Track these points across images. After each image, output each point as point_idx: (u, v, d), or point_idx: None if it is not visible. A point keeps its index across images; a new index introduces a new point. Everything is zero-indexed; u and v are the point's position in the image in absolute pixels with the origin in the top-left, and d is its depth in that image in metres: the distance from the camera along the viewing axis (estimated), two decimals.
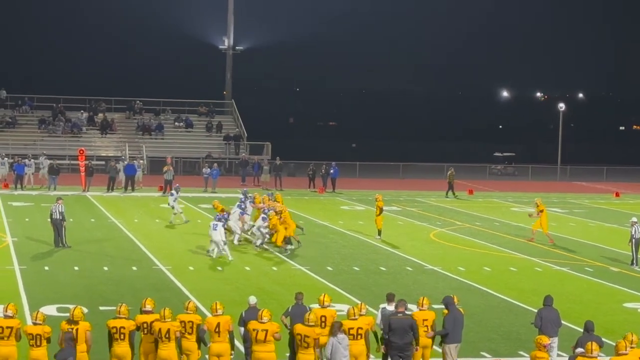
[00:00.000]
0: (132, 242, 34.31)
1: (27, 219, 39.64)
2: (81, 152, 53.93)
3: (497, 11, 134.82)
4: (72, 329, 16.71)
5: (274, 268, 30.30)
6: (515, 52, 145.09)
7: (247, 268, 30.10)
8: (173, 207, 39.99)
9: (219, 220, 31.42)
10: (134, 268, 29.41)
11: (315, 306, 18.76)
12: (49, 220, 33.15)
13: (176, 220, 39.78)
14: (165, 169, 52.48)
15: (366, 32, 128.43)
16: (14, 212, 41.59)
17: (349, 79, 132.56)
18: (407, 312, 18.20)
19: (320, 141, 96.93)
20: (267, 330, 17.20)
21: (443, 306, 18.76)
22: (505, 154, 79.88)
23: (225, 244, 31.19)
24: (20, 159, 53.44)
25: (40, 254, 31.22)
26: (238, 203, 35.43)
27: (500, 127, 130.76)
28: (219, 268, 30.00)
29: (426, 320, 18.29)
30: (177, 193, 40.79)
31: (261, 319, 17.33)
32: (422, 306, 18.52)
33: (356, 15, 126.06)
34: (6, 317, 16.89)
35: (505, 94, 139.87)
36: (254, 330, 17.26)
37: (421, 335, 18.10)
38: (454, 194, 54.73)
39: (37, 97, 70.72)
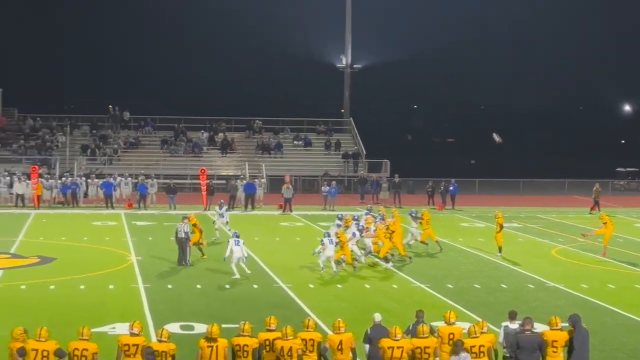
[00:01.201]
0: (253, 260, 34.63)
1: (150, 238, 40.42)
2: (202, 171, 54.88)
3: (621, 24, 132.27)
4: (212, 346, 16.95)
5: (394, 286, 30.23)
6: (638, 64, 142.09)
7: (367, 285, 30.11)
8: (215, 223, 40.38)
9: (237, 236, 31.46)
10: (255, 286, 29.69)
11: (440, 324, 18.65)
12: (174, 238, 33.76)
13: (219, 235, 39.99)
14: (284, 187, 52.98)
15: (483, 49, 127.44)
16: (138, 232, 42.46)
17: (466, 95, 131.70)
18: (534, 330, 17.93)
19: (439, 158, 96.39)
20: (402, 348, 17.10)
21: (568, 324, 18.42)
22: (628, 169, 78.19)
23: (245, 260, 31.09)
24: (143, 178, 54.69)
25: (163, 272, 31.78)
26: (337, 222, 35.04)
27: (623, 141, 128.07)
28: (339, 286, 30.07)
29: (556, 341, 17.88)
30: (222, 209, 41.02)
31: (395, 336, 17.25)
32: (555, 326, 18.09)
33: (472, 32, 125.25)
34: (132, 334, 17.20)
35: (627, 107, 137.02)
36: (389, 348, 17.13)
37: (549, 355, 17.77)
38: (599, 210, 53.27)
39: (159, 118, 72.16)
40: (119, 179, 55.30)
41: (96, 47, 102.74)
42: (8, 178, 54.30)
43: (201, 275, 31.31)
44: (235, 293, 28.64)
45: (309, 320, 18.17)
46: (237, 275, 30.62)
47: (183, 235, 33.15)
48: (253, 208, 53.54)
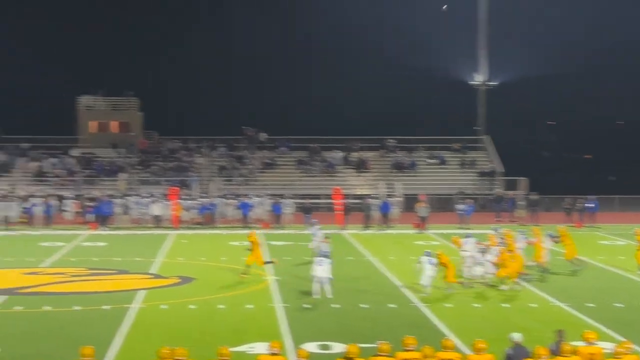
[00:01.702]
0: (389, 280, 34.58)
1: (287, 258, 40.77)
2: (337, 190, 55.18)
3: None
4: None
5: (533, 305, 29.76)
6: None
7: (506, 305, 29.73)
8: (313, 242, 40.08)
9: (325, 256, 31.17)
10: (391, 305, 29.63)
11: (580, 344, 18.28)
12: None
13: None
14: (419, 205, 52.80)
15: (623, 63, 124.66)
16: (275, 251, 42.86)
17: (604, 110, 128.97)
18: None
19: (576, 175, 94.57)
20: None
21: None
22: None
23: (329, 281, 30.63)
24: (278, 199, 55.35)
25: (300, 291, 31.97)
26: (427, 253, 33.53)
27: None
28: (476, 305, 29.77)
29: None
30: (314, 228, 40.97)
31: (540, 357, 16.97)
32: None
33: (613, 46, 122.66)
34: (272, 354, 17.37)
35: None
36: None
37: None
38: None
39: (294, 139, 72.86)
40: (255, 199, 56.06)
41: (231, 70, 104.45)
42: (148, 199, 55.60)
43: (338, 294, 31.37)
44: (372, 312, 28.64)
45: (447, 340, 18.03)
46: (316, 296, 30.35)
47: (322, 255, 33.33)
48: (388, 227, 53.53)
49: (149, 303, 29.95)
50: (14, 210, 53.89)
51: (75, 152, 69.62)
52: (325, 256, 31.25)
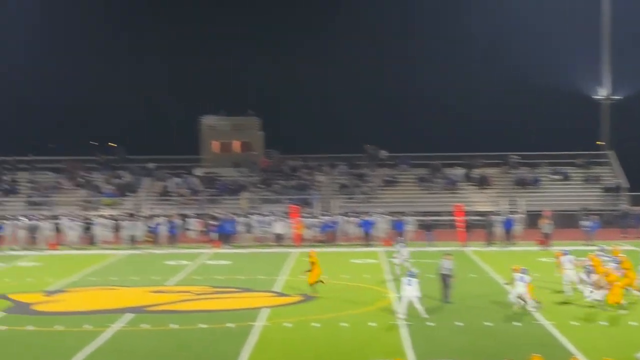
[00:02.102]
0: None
1: None
2: (458, 207, 54.77)
3: None
4: None
5: None
6: None
7: (633, 323, 29.01)
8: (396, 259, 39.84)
9: (412, 275, 30.74)
10: (516, 323, 29.20)
11: None
12: (437, 275, 33.78)
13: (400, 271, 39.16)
14: (543, 222, 52.01)
15: None
16: (395, 269, 42.74)
17: None
18: None
19: None
20: None
21: None
22: None
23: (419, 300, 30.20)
24: (399, 216, 55.22)
25: (425, 309, 31.75)
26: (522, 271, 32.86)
27: None
28: (604, 323, 29.12)
29: None
30: (399, 245, 40.55)
31: None
32: None
33: None
34: None
35: None
36: None
37: None
38: None
39: (415, 156, 72.65)
40: (376, 216, 56.06)
41: (350, 87, 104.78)
42: (269, 218, 56.10)
43: (463, 312, 31.09)
44: (496, 330, 28.27)
45: (574, 359, 17.68)
46: (402, 316, 29.98)
47: (446, 272, 33.14)
48: (511, 244, 52.86)
49: (273, 321, 30.15)
50: (139, 229, 55.02)
51: (198, 172, 70.75)
52: (413, 276, 31.09)
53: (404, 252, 40.04)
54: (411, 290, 30.26)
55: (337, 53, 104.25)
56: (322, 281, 35.65)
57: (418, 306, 30.28)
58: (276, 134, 79.70)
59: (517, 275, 31.29)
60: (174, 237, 55.21)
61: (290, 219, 55.34)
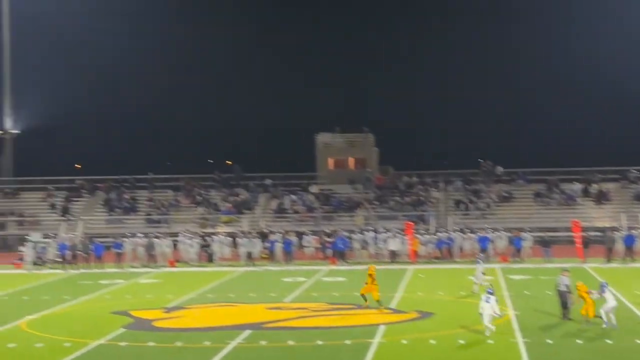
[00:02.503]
0: (635, 314, 33.37)
1: (526, 292, 40.09)
2: (575, 223, 53.89)
3: None
4: None
5: None
6: None
7: None
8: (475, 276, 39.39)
9: (489, 293, 30.17)
10: (638, 341, 28.57)
11: None
12: (555, 292, 33.30)
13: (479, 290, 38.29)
14: None
15: None
16: (514, 285, 42.28)
17: None
18: None
19: None
20: None
21: None
22: None
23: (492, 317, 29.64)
24: (517, 232, 54.63)
25: (543, 326, 31.33)
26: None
27: None
28: None
29: None
30: (481, 263, 40.01)
31: None
32: None
33: None
34: None
35: None
36: None
37: None
38: None
39: (531, 171, 71.79)
40: (492, 233, 55.57)
41: (469, 104, 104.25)
42: (385, 234, 56.09)
43: (582, 329, 30.56)
44: (617, 348, 27.70)
45: None
46: (487, 332, 29.63)
47: (564, 288, 32.64)
48: (632, 260, 51.77)
49: (390, 338, 30.10)
50: (256, 246, 55.60)
51: (314, 189, 71.17)
52: (491, 293, 30.67)
53: (479, 269, 39.99)
54: (488, 308, 29.95)
55: (452, 69, 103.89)
56: (365, 298, 36.05)
57: (486, 323, 29.92)
58: (391, 150, 79.77)
59: (485, 296, 30.47)
60: (290, 254, 55.66)
61: (405, 235, 55.25)
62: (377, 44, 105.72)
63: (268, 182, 72.19)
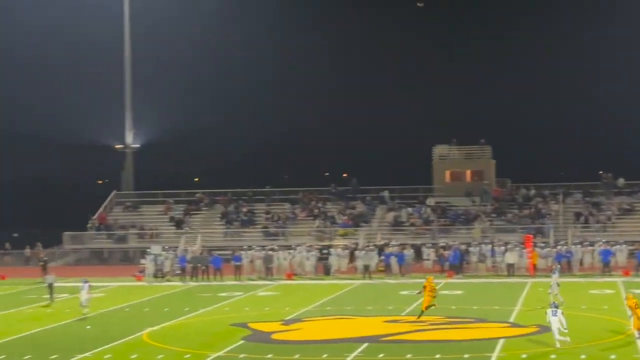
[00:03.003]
0: None
1: None
2: None
3: None
4: None
5: None
6: None
7: None
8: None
9: (555, 307, 29.79)
10: None
11: None
12: None
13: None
14: None
15: None
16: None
17: None
18: None
19: None
20: None
21: None
22: None
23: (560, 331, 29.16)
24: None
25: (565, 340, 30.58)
26: None
27: None
28: None
29: None
30: (557, 273, 39.87)
31: None
32: None
33: None
34: None
35: None
36: None
37: None
38: None
39: None
40: (614, 246, 54.55)
41: (583, 114, 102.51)
42: (502, 247, 55.47)
43: None
44: None
45: None
46: (558, 345, 29.31)
47: None
48: None
49: (509, 352, 29.72)
50: (373, 259, 55.59)
51: (430, 201, 70.84)
52: (557, 306, 30.23)
53: (555, 279, 39.86)
54: (555, 322, 29.67)
55: (571, 80, 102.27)
56: (434, 305, 36.30)
57: (556, 336, 29.54)
58: (508, 162, 78.87)
59: (552, 310, 30.02)
60: (407, 267, 55.50)
61: (524, 248, 54.53)
62: (494, 56, 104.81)
63: (385, 193, 72.14)
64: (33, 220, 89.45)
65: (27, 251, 69.61)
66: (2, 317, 41.00)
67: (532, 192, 71.06)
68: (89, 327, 37.42)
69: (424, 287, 36.49)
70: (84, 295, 40.32)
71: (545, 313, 30.55)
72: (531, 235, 56.55)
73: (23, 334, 35.81)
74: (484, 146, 74.52)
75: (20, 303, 45.91)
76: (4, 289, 52.95)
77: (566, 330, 29.97)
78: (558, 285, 39.94)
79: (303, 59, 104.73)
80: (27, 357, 30.63)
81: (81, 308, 40.43)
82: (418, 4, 32.56)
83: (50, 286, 46.16)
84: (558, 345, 29.54)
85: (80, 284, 41.15)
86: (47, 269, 53.66)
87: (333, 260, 56.67)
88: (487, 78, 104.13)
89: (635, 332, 29.91)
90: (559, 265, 44.11)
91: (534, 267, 53.52)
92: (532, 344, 31.11)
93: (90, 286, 40.82)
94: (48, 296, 46.10)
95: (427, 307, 36.49)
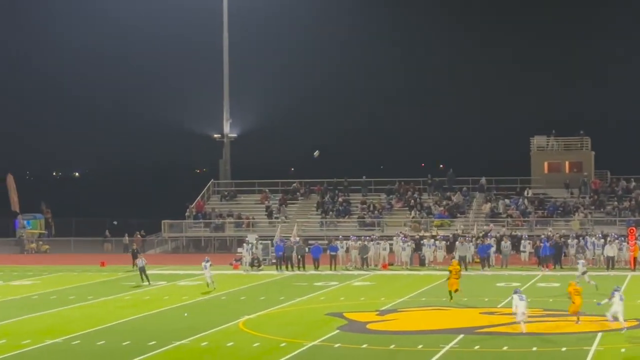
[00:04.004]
0: None
1: None
2: None
3: None
4: None
5: None
6: None
7: None
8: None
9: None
10: None
11: None
12: None
13: None
14: None
15: None
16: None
17: None
18: None
19: None
20: None
21: None
22: None
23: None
24: None
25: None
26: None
27: None
28: None
29: None
30: (582, 270, 41.35)
31: None
32: None
33: None
34: None
35: None
36: None
37: None
38: None
39: None
40: None
41: None
42: (602, 240, 54.57)
43: None
44: None
45: None
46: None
47: None
48: None
49: (608, 346, 29.31)
50: (469, 250, 55.23)
51: (528, 193, 70.06)
52: (519, 292, 32.22)
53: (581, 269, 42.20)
54: (522, 306, 31.54)
55: None
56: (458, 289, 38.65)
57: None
58: (608, 154, 77.58)
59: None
60: (504, 258, 55.04)
61: (624, 241, 53.56)
62: (593, 46, 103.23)
63: (483, 179, 71.53)
64: (133, 209, 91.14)
65: (126, 239, 70.88)
66: (102, 304, 41.83)
67: (633, 184, 69.74)
68: (186, 314, 37.96)
69: (450, 271, 38.79)
70: (207, 273, 44.71)
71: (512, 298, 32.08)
72: (634, 228, 55.45)
73: (122, 320, 36.50)
74: (583, 137, 73.36)
75: (119, 290, 46.78)
76: (104, 275, 54.01)
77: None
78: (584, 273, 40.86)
79: (399, 52, 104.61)
80: (126, 342, 31.22)
81: (209, 287, 44.53)
82: (315, 154, 33.05)
83: (143, 269, 48.35)
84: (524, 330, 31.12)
85: (203, 264, 45.45)
86: (138, 257, 54.73)
87: (428, 251, 56.44)
88: (587, 69, 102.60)
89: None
90: (582, 261, 43.89)
91: (635, 260, 52.53)
92: (631, 338, 30.60)
93: (211, 265, 44.93)
94: (144, 281, 47.53)
95: (456, 290, 38.59)
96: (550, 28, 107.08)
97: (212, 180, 77.91)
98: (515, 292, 32.69)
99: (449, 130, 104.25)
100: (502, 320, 35.00)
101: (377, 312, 37.61)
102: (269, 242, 59.57)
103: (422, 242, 57.75)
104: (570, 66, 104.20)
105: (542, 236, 56.93)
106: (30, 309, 40.21)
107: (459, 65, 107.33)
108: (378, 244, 56.82)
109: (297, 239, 58.40)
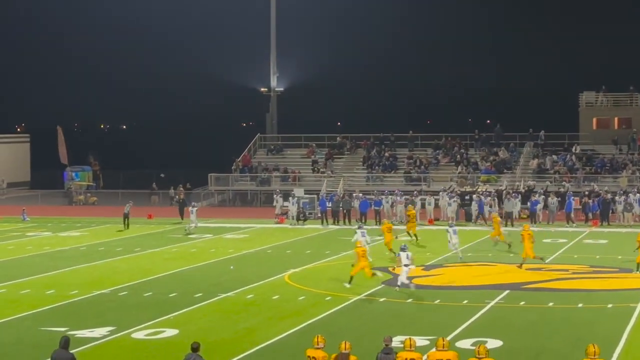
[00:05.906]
0: None
1: None
2: None
3: None
4: None
5: None
6: None
7: None
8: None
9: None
10: None
11: None
12: None
13: None
14: None
15: None
16: None
17: None
18: None
19: None
20: None
21: None
22: None
23: None
24: None
25: None
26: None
27: None
28: None
29: None
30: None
31: None
32: None
33: None
34: None
35: None
36: None
37: None
38: None
39: None
40: None
41: None
42: None
43: None
44: None
45: None
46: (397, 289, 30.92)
47: None
48: None
49: None
50: (516, 206, 54.94)
51: (576, 149, 69.44)
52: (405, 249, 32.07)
53: None
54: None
55: None
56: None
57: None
58: None
59: None
60: (551, 214, 54.71)
61: None
62: None
63: (541, 133, 70.68)
64: (180, 161, 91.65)
65: (172, 191, 71.24)
66: (149, 256, 42.23)
67: None
68: (232, 267, 38.20)
69: (522, 235, 37.03)
70: (361, 239, 38.45)
71: None
72: None
73: (169, 272, 36.84)
74: (633, 93, 72.41)
75: (166, 242, 47.18)
76: (151, 228, 54.45)
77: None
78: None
79: (444, 9, 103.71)
80: (172, 294, 31.52)
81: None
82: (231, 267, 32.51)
83: (126, 215, 52.74)
84: (397, 289, 31.33)
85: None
86: (185, 210, 55.04)
87: (474, 207, 56.20)
88: (637, 25, 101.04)
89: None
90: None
91: None
92: None
93: (364, 232, 39.86)
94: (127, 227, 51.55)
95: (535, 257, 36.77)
96: None
97: (258, 134, 77.97)
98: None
99: (497, 86, 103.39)
100: (548, 276, 34.88)
101: (423, 267, 37.61)
102: (315, 196, 59.61)
103: (469, 197, 57.47)
104: (621, 22, 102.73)
105: (587, 192, 56.52)
106: (78, 260, 40.70)
107: (509, 19, 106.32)
108: (423, 199, 56.73)
109: (360, 193, 58.11)
